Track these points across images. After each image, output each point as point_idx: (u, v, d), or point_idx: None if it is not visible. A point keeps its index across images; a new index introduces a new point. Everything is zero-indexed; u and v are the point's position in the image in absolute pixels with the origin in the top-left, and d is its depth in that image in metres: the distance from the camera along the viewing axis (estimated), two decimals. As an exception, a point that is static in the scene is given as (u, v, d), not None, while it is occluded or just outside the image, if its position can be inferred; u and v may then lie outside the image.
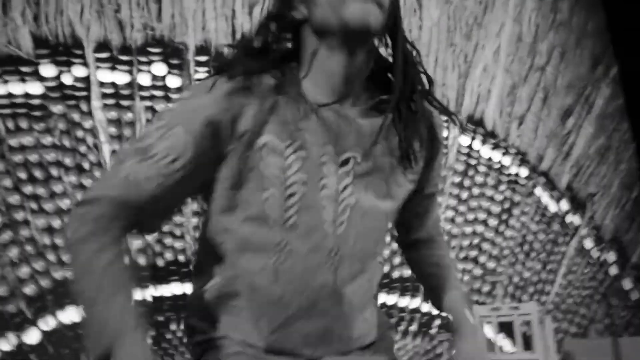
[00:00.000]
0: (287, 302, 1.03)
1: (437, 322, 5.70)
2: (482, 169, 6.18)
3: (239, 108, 1.00)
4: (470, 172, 6.14)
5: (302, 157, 1.02)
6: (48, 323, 4.42)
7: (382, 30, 1.05)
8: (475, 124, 6.23)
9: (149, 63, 5.05)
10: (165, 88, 5.09)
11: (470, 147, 6.18)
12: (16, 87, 4.67)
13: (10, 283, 4.33)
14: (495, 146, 6.28)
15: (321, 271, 1.04)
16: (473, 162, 6.16)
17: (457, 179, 6.06)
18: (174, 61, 5.14)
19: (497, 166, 6.25)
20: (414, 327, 5.60)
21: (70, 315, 4.48)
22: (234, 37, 5.20)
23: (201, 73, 5.16)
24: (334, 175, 1.04)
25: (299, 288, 1.03)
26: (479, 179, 6.15)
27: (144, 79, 5.11)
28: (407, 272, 5.67)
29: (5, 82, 4.60)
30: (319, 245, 1.04)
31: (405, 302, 5.62)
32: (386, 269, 5.62)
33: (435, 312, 5.71)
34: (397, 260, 5.67)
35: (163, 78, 5.16)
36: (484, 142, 6.23)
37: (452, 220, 5.96)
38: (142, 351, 0.91)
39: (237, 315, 1.05)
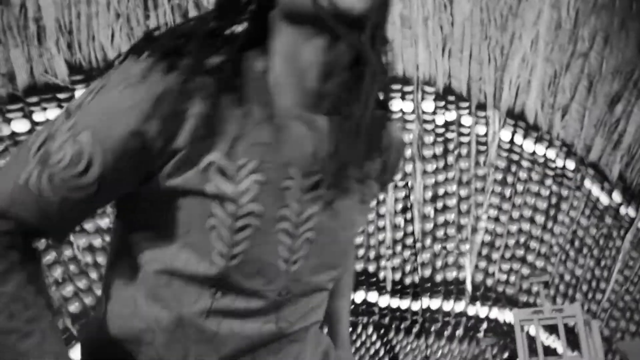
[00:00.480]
0: (222, 342, 0.82)
1: (484, 325, 5.50)
2: (525, 164, 5.93)
3: (178, 114, 0.76)
4: (513, 168, 5.91)
5: (259, 181, 0.78)
6: (93, 339, 4.58)
7: (367, 18, 0.77)
8: (515, 117, 6.00)
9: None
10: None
11: (511, 141, 5.96)
12: (54, 114, 4.89)
13: (56, 302, 4.53)
14: (538, 139, 6.02)
15: (265, 316, 0.84)
16: (515, 157, 5.93)
17: (500, 176, 5.85)
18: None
19: (541, 160, 5.99)
20: (459, 332, 5.43)
21: (114, 330, 4.61)
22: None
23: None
24: (297, 204, 0.81)
25: (236, 329, 0.82)
26: (523, 174, 5.91)
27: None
28: (450, 275, 5.53)
29: (44, 109, 4.83)
30: (266, 287, 0.82)
31: (450, 306, 5.47)
32: (428, 272, 5.50)
33: (482, 315, 5.53)
34: (439, 263, 5.53)
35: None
36: (525, 135, 5.99)
37: (497, 219, 5.76)
38: None
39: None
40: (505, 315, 5.55)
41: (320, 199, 0.83)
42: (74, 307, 4.53)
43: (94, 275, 4.61)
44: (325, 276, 0.90)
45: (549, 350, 4.61)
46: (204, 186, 0.78)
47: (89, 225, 4.68)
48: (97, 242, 4.66)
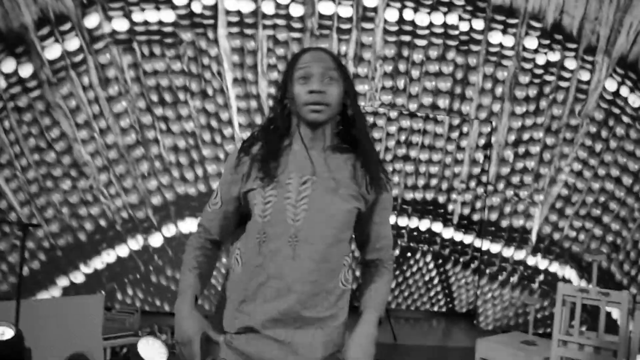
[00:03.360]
0: (265, 267, 1.51)
1: (541, 277, 5.50)
2: (625, 119, 5.50)
3: (245, 167, 1.55)
4: (611, 122, 5.51)
5: (275, 181, 1.51)
6: (170, 230, 5.10)
7: (335, 113, 1.55)
8: (626, 67, 5.48)
9: (274, -9, 5.12)
10: (287, 17, 5.16)
11: (616, 93, 5.50)
12: (152, 15, 5.07)
13: (141, 193, 5.02)
14: (648, 94, 5.51)
15: (285, 248, 1.49)
16: (616, 111, 5.50)
17: (594, 129, 5.50)
18: (298, -11, 5.13)
19: (645, 117, 5.52)
20: (514, 279, 5.48)
21: (188, 225, 5.10)
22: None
23: (325, 1, 5.10)
24: (295, 191, 1.50)
25: (270, 257, 1.50)
26: (620, 130, 5.51)
27: (268, 7, 5.22)
28: (517, 222, 5.47)
29: (142, 10, 5.02)
30: (283, 231, 1.49)
31: (510, 252, 5.47)
32: (494, 216, 5.47)
33: (541, 266, 5.52)
34: (507, 209, 5.47)
35: (287, 6, 5.21)
36: (634, 88, 5.49)
37: (579, 174, 5.51)
38: (187, 308, 1.52)
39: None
40: (564, 272, 5.50)
41: (309, 188, 1.51)
42: (156, 200, 5.01)
43: (175, 173, 5.02)
44: (325, 230, 1.51)
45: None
46: (252, 184, 1.55)
47: (175, 127, 5.01)
48: (181, 143, 5.00)
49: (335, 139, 1.58)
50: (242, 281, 1.53)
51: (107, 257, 4.91)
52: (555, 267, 5.50)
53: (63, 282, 4.86)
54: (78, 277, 4.88)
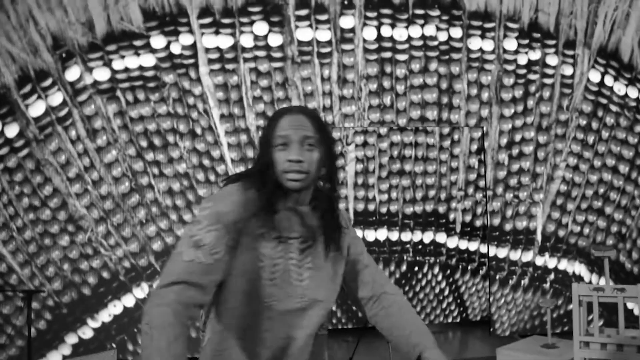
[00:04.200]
0: (274, 330, 1.49)
1: (551, 276, 5.46)
2: (614, 108, 5.52)
3: (249, 213, 1.43)
4: (600, 113, 5.53)
5: (279, 241, 1.46)
6: (174, 274, 5.01)
7: (314, 178, 1.51)
8: (607, 56, 5.51)
9: (251, 23, 5.12)
10: (267, 47, 5.16)
11: (600, 83, 5.53)
12: (132, 61, 5.07)
13: (141, 240, 4.96)
14: (632, 81, 5.53)
15: (294, 309, 1.47)
16: (603, 101, 5.52)
17: (584, 122, 5.51)
18: (275, 19, 5.15)
19: (632, 104, 5.54)
20: (525, 281, 5.43)
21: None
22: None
23: (302, 28, 5.12)
24: (297, 251, 1.47)
25: (280, 319, 1.47)
26: (610, 119, 5.52)
27: (246, 40, 5.22)
28: (520, 224, 5.45)
29: (122, 57, 5.01)
30: (291, 293, 1.46)
31: (517, 255, 5.44)
32: (497, 221, 5.45)
33: (550, 265, 5.48)
34: (509, 212, 5.45)
35: (265, 37, 5.22)
36: (617, 77, 5.52)
37: (576, 168, 5.50)
38: None
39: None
40: (574, 267, 5.46)
41: (309, 248, 1.50)
42: (156, 246, 4.96)
43: (173, 216, 4.97)
44: (327, 286, 1.53)
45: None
46: (258, 244, 1.46)
47: (167, 170, 4.98)
48: (176, 186, 4.96)
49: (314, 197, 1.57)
50: (240, 348, 1.46)
51: (114, 309, 4.84)
52: (564, 264, 5.46)
53: (72, 339, 4.77)
54: (87, 333, 4.79)
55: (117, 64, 4.93)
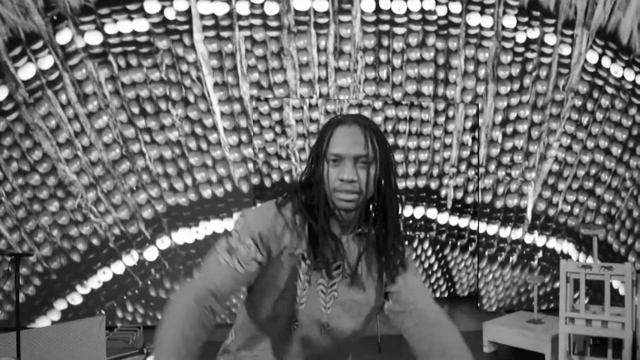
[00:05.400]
0: (298, 353, 1.48)
1: (539, 254, 5.51)
2: (609, 90, 5.51)
3: (283, 232, 1.38)
4: (595, 94, 5.51)
5: (311, 266, 1.40)
6: (164, 242, 5.02)
7: (366, 199, 1.40)
8: (606, 37, 5.48)
9: (247, -10, 5.03)
10: (263, 16, 5.08)
11: (598, 65, 5.50)
12: (125, 26, 4.96)
13: (131, 208, 4.93)
14: (629, 63, 5.51)
15: (315, 334, 1.45)
16: (600, 82, 5.51)
17: (579, 102, 5.50)
18: (272, -14, 5.05)
19: (628, 86, 5.53)
20: (513, 258, 5.47)
21: (182, 236, 5.03)
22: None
23: (299, -3, 5.03)
24: (326, 277, 1.41)
25: (302, 343, 1.46)
26: (605, 101, 5.52)
27: (242, 8, 5.13)
28: (511, 202, 5.47)
29: (115, 21, 4.91)
30: (316, 319, 1.43)
31: (507, 232, 5.47)
32: (488, 198, 5.46)
33: (539, 243, 5.52)
34: (500, 190, 5.46)
35: (261, 5, 5.13)
36: (615, 59, 5.50)
37: (569, 148, 5.51)
38: None
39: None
40: (562, 246, 5.51)
41: (339, 275, 1.43)
42: (147, 213, 4.93)
43: (164, 184, 4.93)
44: (352, 319, 1.47)
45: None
46: (294, 265, 1.41)
47: (159, 137, 4.92)
48: (167, 153, 4.91)
49: (360, 222, 1.45)
50: None
51: (103, 276, 4.83)
52: (553, 243, 5.50)
53: (61, 305, 4.77)
54: (76, 299, 4.79)
55: (110, 28, 4.84)
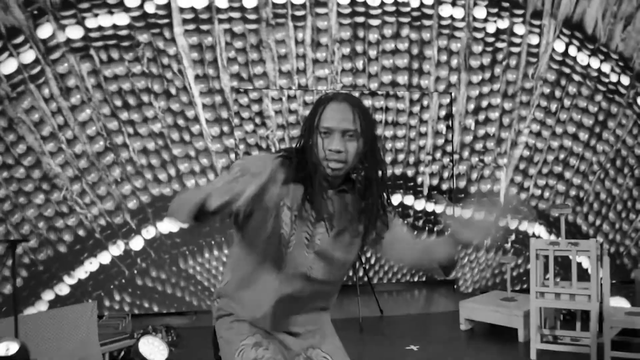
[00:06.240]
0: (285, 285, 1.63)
1: (512, 237, 5.74)
2: (576, 77, 5.75)
3: (274, 179, 1.40)
4: (563, 82, 5.75)
5: (298, 215, 1.57)
6: (149, 232, 5.12)
7: (352, 166, 1.57)
8: (572, 27, 5.71)
9: (226, -17, 5.13)
10: (242, 9, 5.18)
11: (565, 53, 5.74)
12: (105, 20, 5.03)
13: (116, 199, 5.02)
14: (594, 52, 5.76)
15: (302, 270, 1.61)
16: (567, 70, 5.75)
17: (547, 90, 5.73)
18: (250, -20, 5.16)
19: (594, 74, 5.78)
20: (487, 241, 5.70)
21: (167, 225, 5.13)
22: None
23: (277, -10, 5.15)
24: (310, 227, 1.59)
25: (289, 277, 1.62)
26: (572, 89, 5.76)
27: (221, 1, 5.22)
28: (484, 187, 5.68)
29: (95, 15, 4.97)
30: (302, 262, 1.60)
31: (481, 216, 5.68)
32: (462, 184, 5.66)
33: (511, 227, 5.75)
34: (474, 175, 5.67)
35: (240, -2, 5.23)
36: (581, 47, 5.74)
37: (538, 134, 5.74)
38: None
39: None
40: (534, 229, 5.75)
41: (322, 226, 1.59)
42: (132, 204, 5.02)
43: (148, 175, 5.03)
44: (335, 264, 1.65)
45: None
46: (281, 212, 1.58)
47: (142, 129, 5.01)
48: (150, 145, 5.01)
49: (341, 181, 1.62)
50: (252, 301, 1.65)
51: (90, 266, 4.92)
52: (524, 226, 5.74)
53: (48, 296, 4.85)
54: (63, 290, 4.87)
55: (90, 22, 4.90)
